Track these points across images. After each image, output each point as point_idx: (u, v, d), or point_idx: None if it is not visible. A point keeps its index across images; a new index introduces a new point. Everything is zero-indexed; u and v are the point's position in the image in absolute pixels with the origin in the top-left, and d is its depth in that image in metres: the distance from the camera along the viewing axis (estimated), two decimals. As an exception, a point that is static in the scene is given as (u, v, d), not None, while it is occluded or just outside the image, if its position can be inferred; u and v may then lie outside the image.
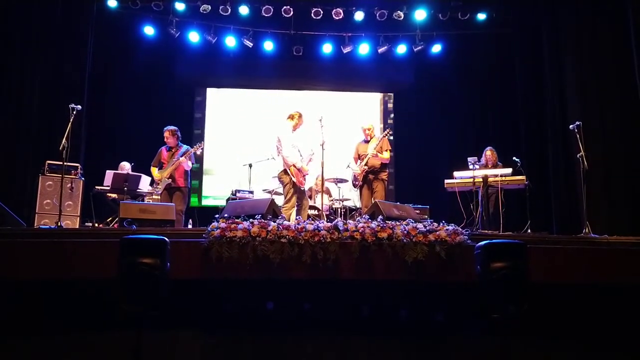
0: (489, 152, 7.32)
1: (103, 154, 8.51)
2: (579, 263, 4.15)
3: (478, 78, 9.49)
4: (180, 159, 6.71)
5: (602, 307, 4.21)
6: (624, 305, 4.23)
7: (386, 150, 7.00)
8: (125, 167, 7.74)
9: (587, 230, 5.59)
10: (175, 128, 7.03)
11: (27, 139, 7.33)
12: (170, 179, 6.72)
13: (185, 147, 7.01)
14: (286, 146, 6.38)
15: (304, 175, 6.50)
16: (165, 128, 7.01)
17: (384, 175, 6.97)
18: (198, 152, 7.15)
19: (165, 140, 6.97)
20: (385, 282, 4.13)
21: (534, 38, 8.46)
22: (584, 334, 4.20)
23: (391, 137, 7.36)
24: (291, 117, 6.54)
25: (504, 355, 3.52)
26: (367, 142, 7.11)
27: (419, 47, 9.26)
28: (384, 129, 8.28)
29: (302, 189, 6.53)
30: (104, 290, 3.71)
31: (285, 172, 6.34)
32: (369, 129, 7.16)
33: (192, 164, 7.00)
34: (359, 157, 7.10)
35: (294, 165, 6.32)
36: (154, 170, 6.92)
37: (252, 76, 10.01)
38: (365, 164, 6.89)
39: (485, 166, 7.18)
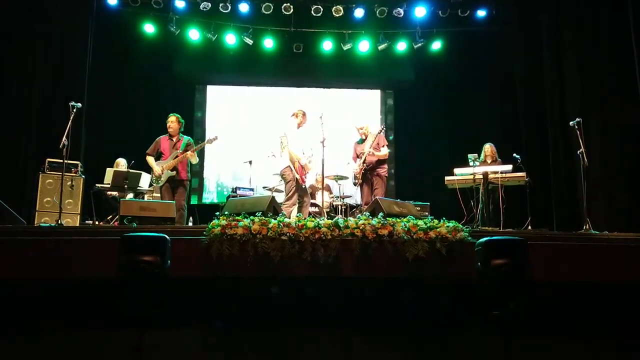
0: (487, 147, 7.36)
1: (103, 151, 8.50)
2: (579, 260, 4.16)
3: (478, 75, 9.47)
4: (188, 153, 6.51)
5: (602, 304, 4.22)
6: (624, 301, 4.23)
7: (383, 146, 7.02)
8: (121, 163, 7.74)
9: (587, 227, 5.59)
10: (181, 117, 6.79)
11: (27, 137, 7.32)
12: (174, 171, 6.52)
13: (186, 138, 6.77)
14: (292, 142, 6.43)
15: (305, 173, 6.54)
16: (171, 114, 6.73)
17: (383, 172, 6.99)
18: (211, 145, 6.89)
19: (169, 125, 6.66)
20: (386, 279, 4.13)
21: (533, 35, 8.44)
22: (584, 330, 4.20)
23: (389, 134, 7.37)
24: (295, 114, 6.59)
25: (504, 352, 3.52)
26: (363, 140, 7.14)
27: (419, 44, 9.26)
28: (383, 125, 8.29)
29: (304, 186, 6.56)
30: (105, 288, 3.71)
31: (289, 168, 6.36)
32: (361, 128, 7.19)
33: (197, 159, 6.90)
34: (357, 156, 7.13)
35: (299, 162, 6.37)
36: (151, 160, 6.64)
37: (252, 73, 10.01)
38: (364, 162, 6.91)
39: (485, 161, 7.19)
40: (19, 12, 7.41)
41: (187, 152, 6.54)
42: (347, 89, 10.44)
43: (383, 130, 7.16)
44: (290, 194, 6.34)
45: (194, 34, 9.16)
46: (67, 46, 7.77)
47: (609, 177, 6.95)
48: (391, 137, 9.80)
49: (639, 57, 6.47)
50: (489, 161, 7.22)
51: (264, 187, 8.29)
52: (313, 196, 7.83)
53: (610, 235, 4.95)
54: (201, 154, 9.34)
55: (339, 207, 7.87)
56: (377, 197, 6.16)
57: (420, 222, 4.16)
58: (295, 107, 6.75)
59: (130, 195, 7.10)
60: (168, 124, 6.71)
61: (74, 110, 5.61)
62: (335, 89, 10.41)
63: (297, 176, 6.35)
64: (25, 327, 4.06)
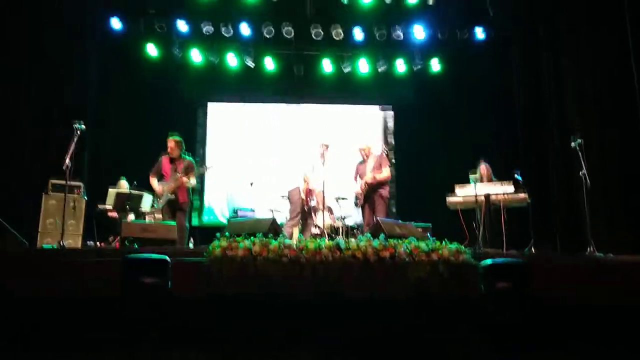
0: (483, 167, 7.29)
1: (106, 172, 8.52)
2: (583, 282, 4.13)
3: (478, 94, 9.53)
4: (184, 179, 6.52)
5: (606, 327, 4.17)
6: (628, 324, 4.18)
7: (385, 167, 7.04)
8: (124, 185, 7.75)
9: (591, 249, 5.55)
10: (181, 139, 6.76)
11: (31, 157, 7.35)
12: (172, 195, 6.54)
13: (188, 159, 6.76)
14: (309, 167, 6.78)
15: (311, 198, 6.67)
16: (170, 137, 6.72)
17: (384, 192, 6.99)
18: (204, 172, 6.93)
19: (169, 150, 6.68)
20: (388, 301, 4.09)
21: (533, 54, 8.52)
22: (588, 353, 4.14)
23: (391, 152, 7.43)
24: (320, 145, 6.87)
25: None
26: (365, 161, 7.16)
27: (418, 66, 9.36)
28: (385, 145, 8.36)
29: (306, 209, 6.63)
30: (106, 309, 3.69)
31: (297, 190, 6.49)
32: (363, 150, 7.22)
33: (195, 182, 6.90)
34: (359, 176, 7.14)
35: (307, 185, 6.49)
36: (154, 182, 6.68)
37: (254, 95, 10.10)
38: (366, 183, 6.93)
39: (480, 181, 7.13)
40: (25, 34, 7.51)
41: (183, 178, 6.53)
42: (347, 109, 10.51)
43: (385, 151, 7.19)
44: (294, 215, 6.40)
45: (196, 56, 9.27)
46: (71, 67, 7.86)
47: (610, 196, 6.93)
48: (393, 160, 9.78)
49: (638, 74, 6.52)
50: (484, 180, 7.13)
51: (265, 208, 8.28)
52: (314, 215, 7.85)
53: (614, 259, 4.92)
54: (202, 175, 9.36)
55: (340, 227, 7.86)
56: (378, 218, 6.16)
57: (422, 244, 4.14)
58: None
59: (131, 216, 7.10)
60: (168, 148, 6.72)
61: (77, 131, 5.65)
62: (336, 109, 10.47)
63: (303, 196, 6.44)
64: (26, 347, 4.03)
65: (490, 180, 7.16)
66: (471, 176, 6.95)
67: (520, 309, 3.38)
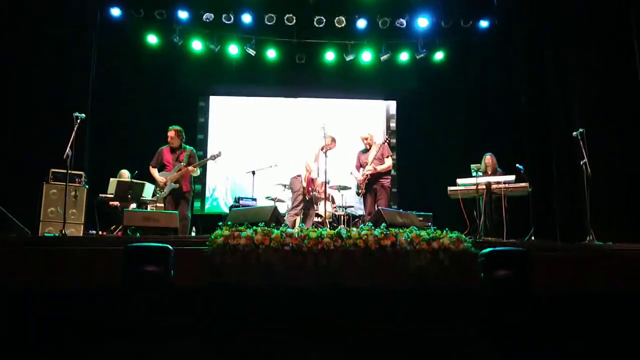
0: (488, 158, 7.29)
1: (106, 162, 8.53)
2: (582, 271, 4.15)
3: (481, 84, 9.50)
4: (190, 168, 6.56)
5: (606, 315, 4.20)
6: (629, 313, 4.21)
7: (387, 157, 7.04)
8: (125, 175, 7.77)
9: (590, 238, 5.57)
10: (181, 128, 6.78)
11: (31, 147, 7.34)
12: (177, 184, 6.57)
13: (189, 148, 6.79)
14: (312, 157, 6.83)
15: (313, 188, 6.68)
16: (170, 127, 6.76)
17: (386, 182, 7.01)
18: (215, 161, 6.94)
19: (169, 140, 6.71)
20: (389, 290, 4.12)
21: (537, 45, 8.47)
22: (587, 342, 4.18)
23: (392, 140, 7.43)
24: (326, 137, 6.80)
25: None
26: (367, 150, 7.16)
27: (422, 55, 9.31)
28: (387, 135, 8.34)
29: (308, 198, 6.66)
30: (108, 298, 3.71)
31: (299, 178, 6.51)
32: (366, 138, 7.22)
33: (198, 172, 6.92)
34: (360, 165, 7.15)
35: (309, 174, 6.52)
36: (155, 172, 6.70)
37: (255, 84, 10.05)
38: (366, 176, 6.94)
39: (485, 172, 7.15)
40: (24, 24, 7.47)
41: (189, 167, 6.56)
42: (350, 98, 10.48)
43: (387, 141, 7.18)
44: (296, 204, 6.43)
45: (196, 45, 9.23)
46: (72, 57, 7.82)
47: (612, 186, 6.93)
48: (392, 142, 9.76)
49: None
50: (489, 172, 7.15)
51: (266, 197, 8.31)
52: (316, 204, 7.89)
53: (614, 247, 4.94)
54: (204, 164, 9.36)
55: (342, 217, 7.88)
56: (379, 207, 6.18)
57: (423, 233, 4.16)
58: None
59: (133, 206, 7.13)
60: (168, 138, 6.74)
61: (78, 120, 5.65)
62: (339, 99, 10.44)
63: (304, 184, 6.46)
64: (28, 338, 4.06)
65: (495, 170, 7.17)
66: (473, 166, 6.96)
67: (518, 297, 3.39)
